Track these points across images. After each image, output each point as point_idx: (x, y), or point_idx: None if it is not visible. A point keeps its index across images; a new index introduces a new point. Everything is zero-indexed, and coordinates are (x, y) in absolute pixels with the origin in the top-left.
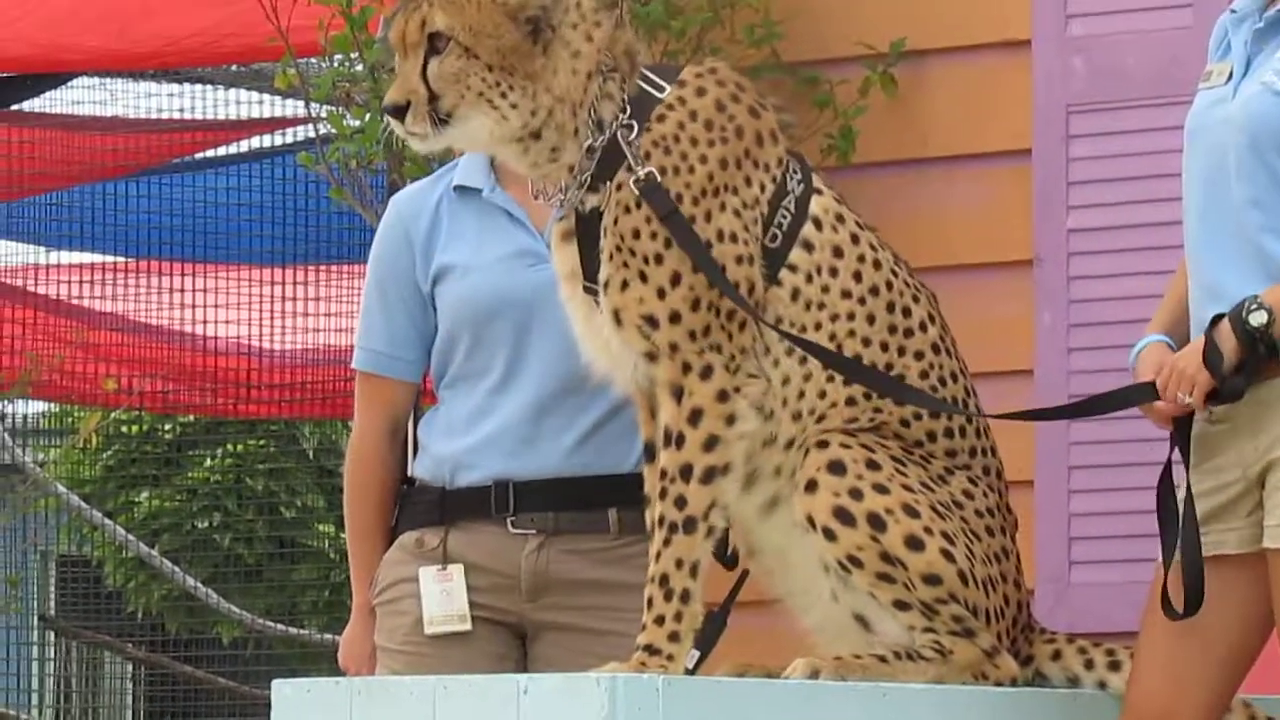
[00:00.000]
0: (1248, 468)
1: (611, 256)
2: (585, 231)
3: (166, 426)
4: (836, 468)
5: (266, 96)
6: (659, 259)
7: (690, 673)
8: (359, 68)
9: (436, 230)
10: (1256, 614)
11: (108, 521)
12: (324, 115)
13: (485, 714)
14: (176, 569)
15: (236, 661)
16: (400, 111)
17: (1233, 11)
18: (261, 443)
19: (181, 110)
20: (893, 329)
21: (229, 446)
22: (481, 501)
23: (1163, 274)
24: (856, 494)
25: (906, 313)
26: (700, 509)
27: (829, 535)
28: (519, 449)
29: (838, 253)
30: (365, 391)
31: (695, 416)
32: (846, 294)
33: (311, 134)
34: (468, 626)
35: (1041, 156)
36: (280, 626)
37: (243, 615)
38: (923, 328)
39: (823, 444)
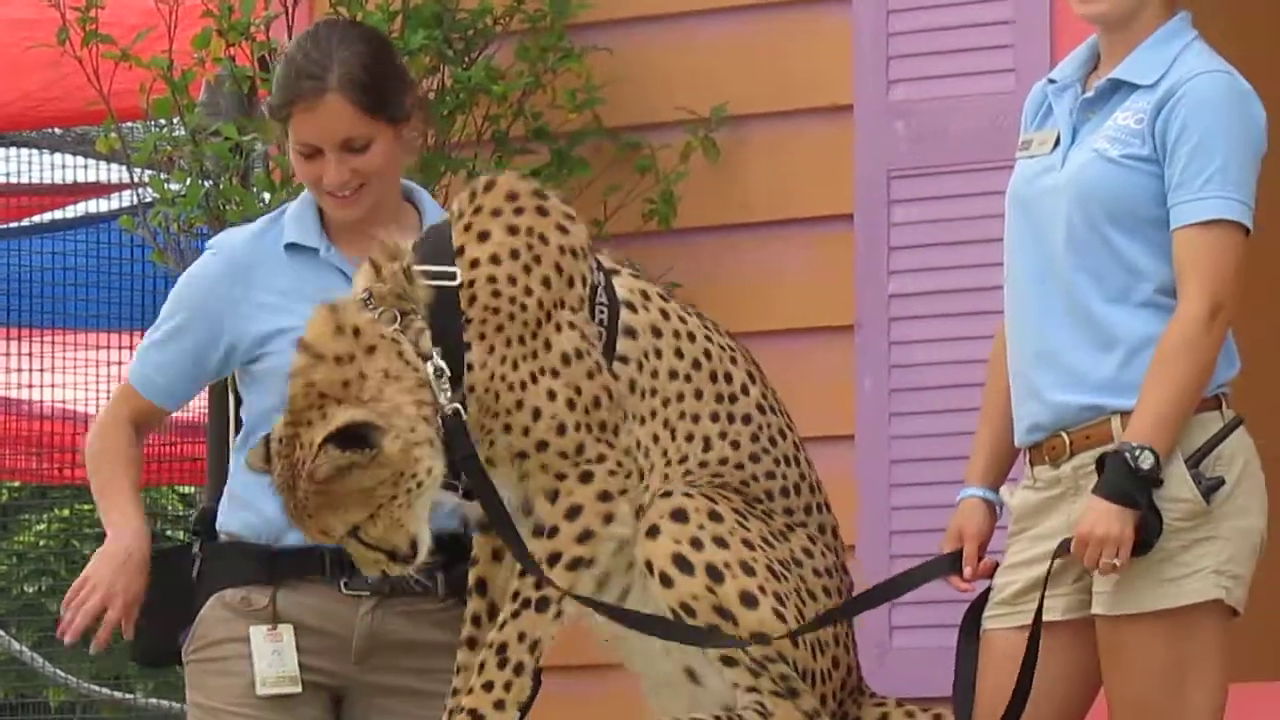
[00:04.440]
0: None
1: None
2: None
3: None
4: (679, 515)
5: (91, 161)
6: (519, 404)
7: None
8: (180, 132)
9: (270, 287)
10: (1082, 679)
11: None
12: (146, 179)
13: None
14: (3, 632)
15: None
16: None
17: (1052, 81)
18: (89, 507)
19: (7, 175)
20: (719, 398)
21: (57, 511)
22: (314, 562)
23: (984, 339)
24: (697, 543)
25: (729, 378)
26: (557, 593)
27: (665, 581)
28: None
29: (656, 332)
30: (126, 396)
31: (573, 512)
32: (673, 374)
33: (134, 199)
34: (298, 688)
35: (863, 221)
36: (108, 691)
37: (69, 679)
38: (744, 390)
39: (667, 494)
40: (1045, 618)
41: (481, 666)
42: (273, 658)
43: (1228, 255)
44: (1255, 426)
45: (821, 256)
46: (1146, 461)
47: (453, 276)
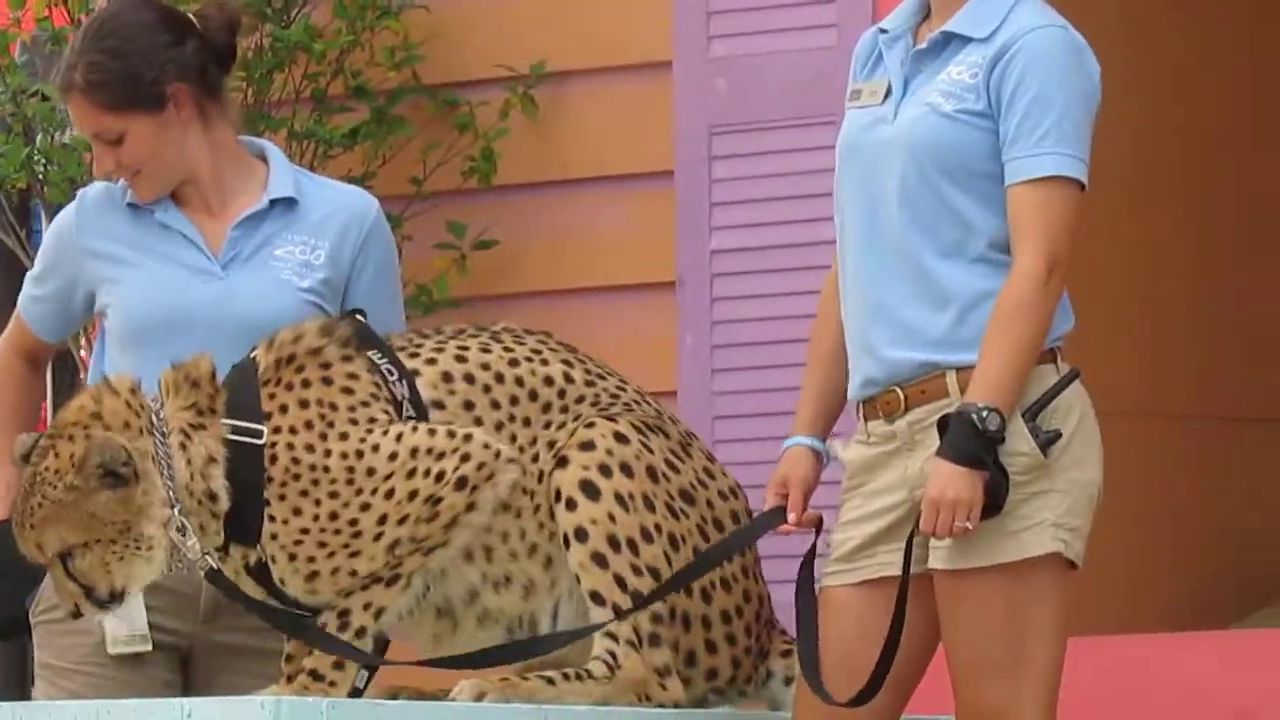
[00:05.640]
0: (913, 489)
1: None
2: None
3: None
4: (587, 445)
5: None
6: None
7: (357, 694)
8: (1, 91)
9: (115, 237)
10: (922, 635)
11: None
12: None
13: None
14: None
15: None
16: (78, 611)
17: (883, 31)
18: None
19: None
20: (547, 406)
21: None
22: None
23: (806, 295)
24: (605, 470)
25: (549, 381)
26: (409, 569)
27: (570, 506)
28: None
29: (469, 406)
30: (17, 325)
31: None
32: (496, 405)
33: None
34: (149, 647)
35: (684, 178)
36: None
37: None
38: (567, 379)
39: (590, 423)
40: (881, 574)
41: (322, 628)
42: (123, 616)
43: (1064, 212)
44: (1088, 380)
45: (642, 213)
46: (993, 423)
47: (259, 434)
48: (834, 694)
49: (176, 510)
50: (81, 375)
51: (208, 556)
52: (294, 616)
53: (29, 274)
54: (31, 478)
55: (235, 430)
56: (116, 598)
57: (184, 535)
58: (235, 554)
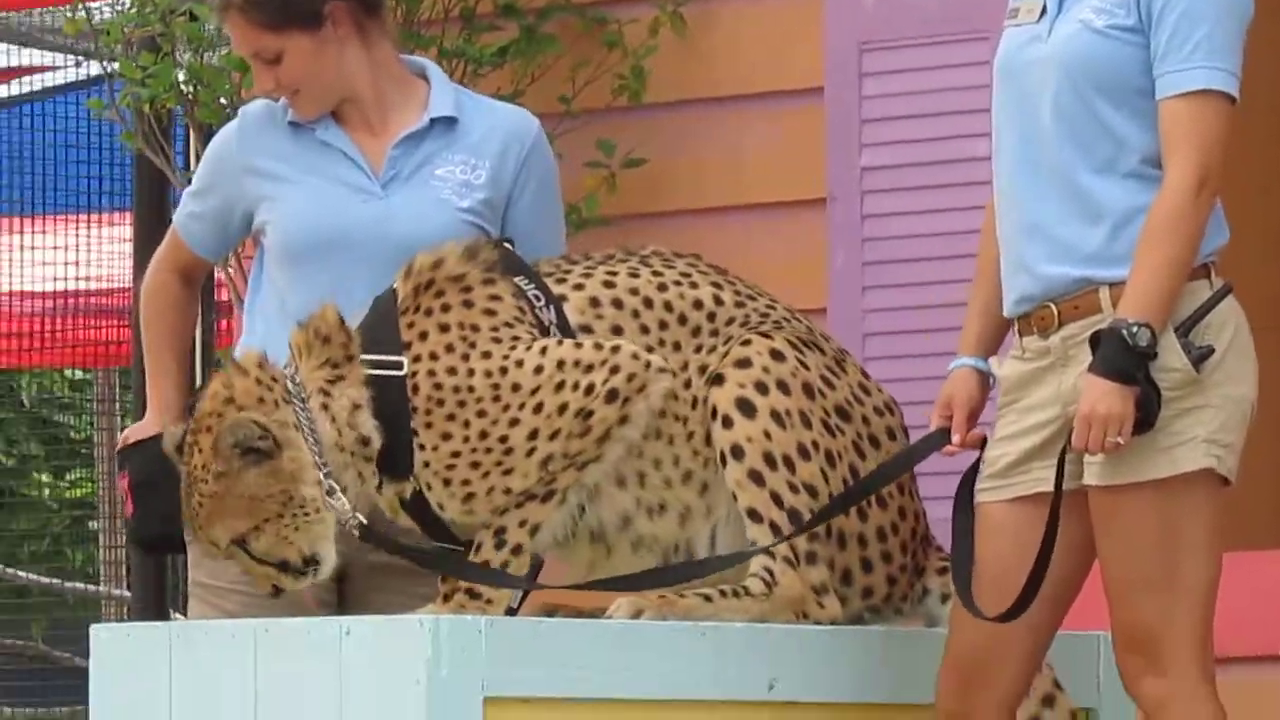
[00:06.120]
0: (1066, 405)
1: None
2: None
3: None
4: (743, 363)
5: (4, 46)
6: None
7: (512, 612)
8: (150, 10)
9: (275, 154)
10: (1078, 551)
11: None
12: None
13: (307, 657)
14: None
15: None
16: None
17: None
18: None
19: None
20: (697, 330)
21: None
22: None
23: (956, 211)
24: (761, 387)
25: (698, 304)
26: (563, 484)
27: (726, 424)
28: None
29: (617, 330)
30: (173, 242)
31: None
32: (645, 330)
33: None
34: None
35: (834, 95)
36: (15, 573)
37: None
38: (717, 301)
39: (745, 341)
40: (1035, 490)
41: (479, 548)
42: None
43: (1214, 125)
44: (1242, 295)
45: (792, 130)
46: (1144, 338)
47: (399, 366)
48: (987, 610)
49: (324, 474)
50: (226, 296)
51: (356, 515)
52: (448, 556)
53: (187, 191)
54: (186, 479)
55: (375, 365)
56: (312, 564)
57: (333, 497)
58: (389, 490)
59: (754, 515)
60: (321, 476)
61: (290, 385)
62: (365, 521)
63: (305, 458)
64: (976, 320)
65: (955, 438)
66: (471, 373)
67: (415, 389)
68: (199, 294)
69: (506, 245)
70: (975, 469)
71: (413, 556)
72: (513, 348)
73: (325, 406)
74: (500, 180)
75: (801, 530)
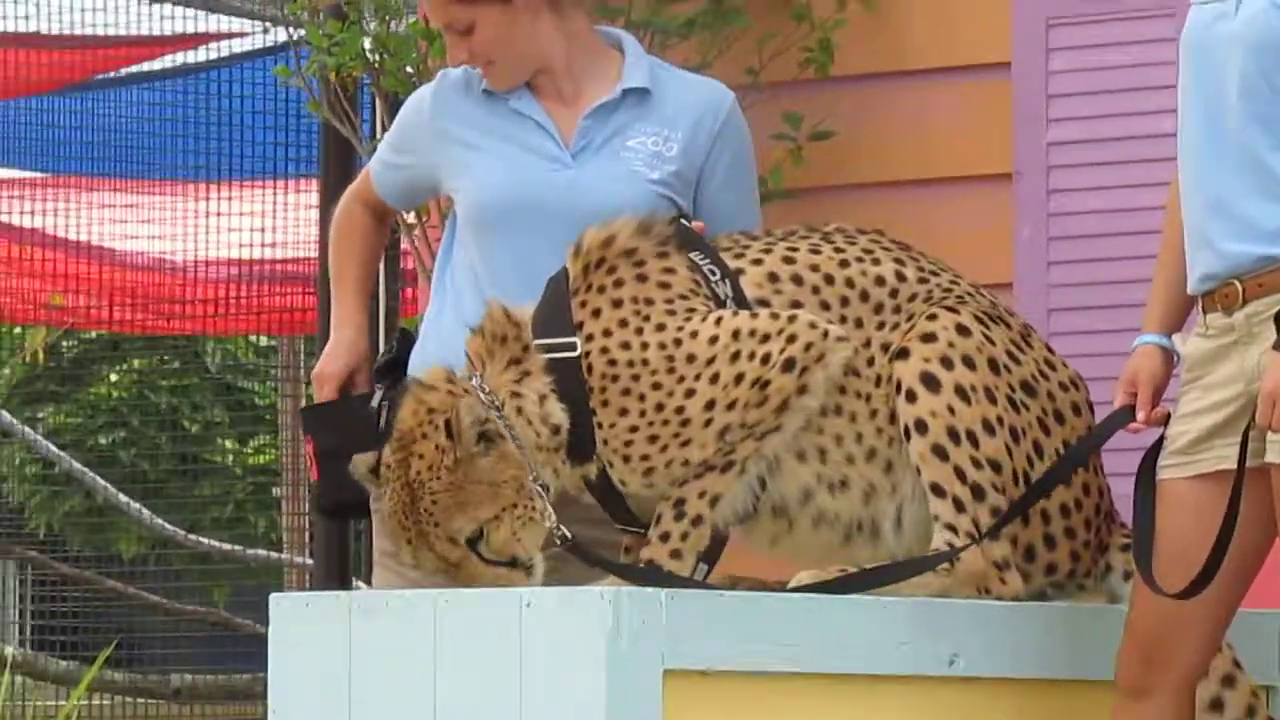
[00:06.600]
0: (1250, 382)
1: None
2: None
3: (67, 343)
4: (928, 337)
5: (192, 11)
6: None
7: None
8: None
9: (468, 122)
10: (1260, 527)
11: (28, 430)
12: (300, 29)
13: (487, 627)
14: (98, 478)
15: (135, 577)
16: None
17: None
18: (165, 359)
19: (106, 26)
20: (879, 306)
21: (131, 363)
22: None
23: (1143, 187)
24: (946, 362)
25: (880, 281)
26: (742, 455)
27: (910, 398)
28: None
29: (782, 280)
30: (365, 179)
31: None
32: (826, 306)
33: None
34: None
35: (1021, 69)
36: (199, 539)
37: (164, 526)
38: (900, 278)
39: (932, 316)
40: (1218, 467)
41: (658, 519)
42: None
43: None
44: None
45: (979, 104)
46: None
47: (571, 347)
48: (1168, 587)
49: (532, 478)
50: (411, 265)
51: (561, 527)
52: (650, 572)
53: (385, 139)
54: (403, 493)
55: (549, 349)
56: (534, 564)
57: (544, 501)
58: (575, 473)
59: (937, 490)
60: (531, 481)
61: (482, 395)
62: (570, 535)
63: (517, 458)
64: (1161, 297)
65: (1140, 415)
66: (645, 345)
67: (590, 368)
68: (388, 229)
69: (682, 220)
70: (1158, 446)
71: (615, 570)
72: (687, 319)
73: (520, 410)
74: (692, 153)
75: (997, 528)
